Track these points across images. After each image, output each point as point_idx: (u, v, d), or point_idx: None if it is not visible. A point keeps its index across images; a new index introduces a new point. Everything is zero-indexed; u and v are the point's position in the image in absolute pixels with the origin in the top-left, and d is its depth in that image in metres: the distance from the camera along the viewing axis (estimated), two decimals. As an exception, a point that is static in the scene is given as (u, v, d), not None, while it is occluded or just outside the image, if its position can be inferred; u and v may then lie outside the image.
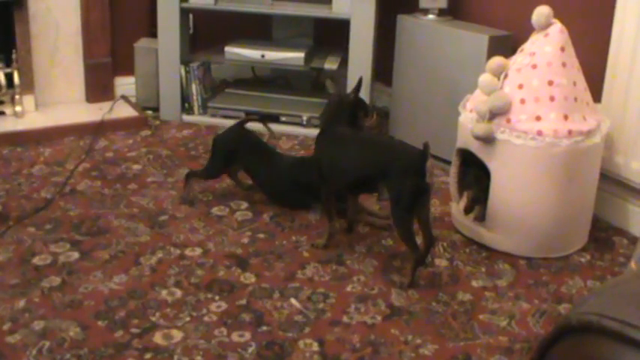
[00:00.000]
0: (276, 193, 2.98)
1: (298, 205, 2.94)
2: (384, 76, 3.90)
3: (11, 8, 3.67)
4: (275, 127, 3.26)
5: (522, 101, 2.56)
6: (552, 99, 2.54)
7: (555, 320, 2.29)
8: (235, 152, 2.97)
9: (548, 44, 2.59)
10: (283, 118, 3.80)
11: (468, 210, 2.83)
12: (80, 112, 3.86)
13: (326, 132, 2.74)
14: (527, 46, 2.67)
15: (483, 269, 2.58)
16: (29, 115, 3.73)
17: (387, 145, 2.71)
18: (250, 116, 3.05)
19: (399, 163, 2.43)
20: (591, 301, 0.79)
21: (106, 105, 3.92)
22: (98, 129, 3.68)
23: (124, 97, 4.05)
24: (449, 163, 2.97)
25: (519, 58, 2.65)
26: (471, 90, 2.80)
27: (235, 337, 2.13)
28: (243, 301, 2.31)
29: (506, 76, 2.63)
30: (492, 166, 2.62)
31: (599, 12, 2.96)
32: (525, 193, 2.59)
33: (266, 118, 3.22)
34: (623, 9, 2.72)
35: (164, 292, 2.34)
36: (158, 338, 2.10)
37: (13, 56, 3.66)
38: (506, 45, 3.22)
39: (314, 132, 3.77)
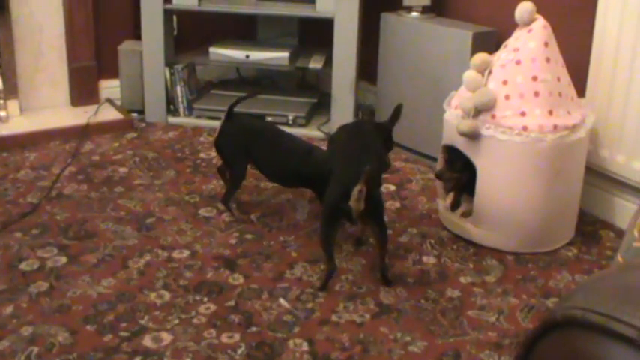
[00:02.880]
0: (277, 176, 2.93)
1: (301, 186, 2.95)
2: (369, 74, 3.90)
3: (-6, 13, 3.66)
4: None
5: (507, 97, 2.57)
6: (537, 94, 2.55)
7: (544, 315, 2.30)
8: (242, 142, 2.87)
9: (531, 40, 2.60)
10: (269, 118, 3.80)
11: (454, 206, 2.84)
12: (65, 115, 3.85)
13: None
14: (511, 42, 2.68)
15: (471, 265, 2.58)
16: (14, 120, 3.71)
17: (343, 154, 2.58)
18: (233, 102, 2.95)
19: (335, 177, 2.45)
20: (576, 296, 0.79)
21: (91, 108, 3.91)
22: (84, 132, 3.67)
23: (109, 100, 4.04)
24: (435, 160, 2.97)
25: (503, 54, 2.66)
26: (456, 86, 2.80)
27: (225, 338, 2.13)
28: (232, 302, 2.31)
29: (490, 72, 2.64)
30: (478, 162, 2.63)
31: (582, 7, 2.97)
32: (511, 188, 2.60)
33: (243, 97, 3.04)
34: (605, 3, 2.73)
35: (152, 295, 2.33)
36: (147, 341, 2.10)
37: (-3, 61, 3.65)
38: (490, 41, 3.23)
39: (299, 131, 3.79)
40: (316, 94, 4.18)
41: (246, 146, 2.86)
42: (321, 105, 4.00)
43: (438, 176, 2.82)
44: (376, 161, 2.50)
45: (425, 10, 3.56)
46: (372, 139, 2.66)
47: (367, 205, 2.32)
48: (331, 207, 2.40)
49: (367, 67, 3.89)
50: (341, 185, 2.37)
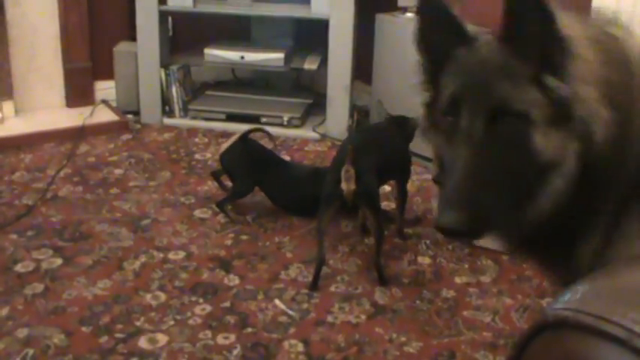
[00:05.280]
0: (289, 204, 2.95)
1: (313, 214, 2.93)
2: (364, 74, 3.90)
3: (-12, 14, 3.66)
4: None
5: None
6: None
7: (537, 315, 2.31)
8: (251, 168, 2.91)
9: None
10: (264, 119, 3.79)
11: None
12: (60, 117, 3.84)
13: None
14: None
15: (466, 266, 2.59)
16: (9, 122, 3.71)
17: (343, 146, 2.65)
18: (253, 128, 3.00)
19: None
20: (568, 296, 0.79)
21: (86, 110, 3.91)
22: (79, 134, 3.66)
23: (105, 102, 4.04)
24: (430, 160, 2.98)
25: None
26: (451, 87, 2.80)
27: (220, 339, 2.13)
28: (228, 304, 2.31)
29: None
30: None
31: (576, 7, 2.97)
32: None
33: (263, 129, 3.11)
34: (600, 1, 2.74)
35: (148, 297, 2.33)
36: (143, 343, 2.10)
37: (-8, 62, 3.65)
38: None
39: (295, 132, 3.79)
40: (311, 94, 4.17)
41: (254, 172, 2.89)
42: (317, 106, 4.00)
43: (435, 181, 2.83)
44: (373, 151, 2.53)
45: (420, 10, 3.55)
46: (376, 135, 2.73)
47: (358, 189, 2.37)
48: (326, 191, 2.45)
49: (362, 67, 3.89)
50: (333, 171, 2.45)
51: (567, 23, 1.27)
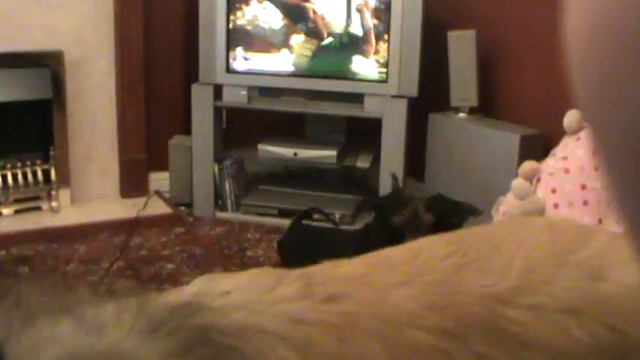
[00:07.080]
0: None
1: None
2: (416, 172, 3.92)
3: (50, 106, 3.77)
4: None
5: (556, 206, 2.56)
6: (586, 203, 2.54)
7: None
8: (307, 250, 3.00)
9: (580, 147, 2.61)
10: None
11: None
12: (115, 207, 3.91)
13: None
14: (560, 150, 2.69)
15: None
16: (65, 211, 3.79)
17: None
18: (307, 210, 3.15)
19: None
20: None
21: (139, 200, 3.97)
22: (133, 225, 3.71)
23: (158, 193, 4.10)
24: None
25: (551, 162, 2.67)
26: (503, 189, 2.81)
27: None
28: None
29: (539, 180, 2.64)
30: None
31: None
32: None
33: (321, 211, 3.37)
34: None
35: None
36: None
37: (51, 153, 3.74)
38: (538, 144, 3.24)
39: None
40: (363, 191, 4.17)
41: (310, 253, 2.94)
42: (368, 202, 4.00)
43: None
44: None
45: (472, 110, 3.59)
46: None
47: None
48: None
49: (414, 164, 3.91)
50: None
51: None
